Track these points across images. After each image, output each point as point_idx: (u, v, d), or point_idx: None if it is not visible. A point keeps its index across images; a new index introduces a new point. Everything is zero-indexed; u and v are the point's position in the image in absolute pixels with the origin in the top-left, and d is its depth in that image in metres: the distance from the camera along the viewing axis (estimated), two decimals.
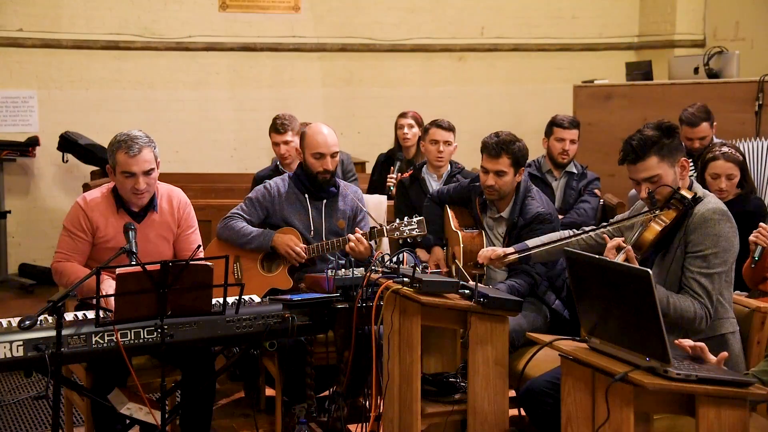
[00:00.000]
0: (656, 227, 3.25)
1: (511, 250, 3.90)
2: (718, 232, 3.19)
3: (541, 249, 3.77)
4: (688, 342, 2.80)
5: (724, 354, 2.75)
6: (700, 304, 3.17)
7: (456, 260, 4.18)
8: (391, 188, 5.81)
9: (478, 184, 4.38)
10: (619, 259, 3.14)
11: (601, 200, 5.55)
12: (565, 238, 3.75)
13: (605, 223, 3.70)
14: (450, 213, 4.51)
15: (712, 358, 2.76)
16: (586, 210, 5.31)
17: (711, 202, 3.28)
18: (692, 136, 5.64)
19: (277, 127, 5.51)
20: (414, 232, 4.30)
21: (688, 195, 3.27)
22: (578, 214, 5.27)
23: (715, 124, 5.71)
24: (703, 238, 3.20)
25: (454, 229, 4.38)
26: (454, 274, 4.24)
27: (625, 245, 3.21)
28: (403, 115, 6.24)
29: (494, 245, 4.24)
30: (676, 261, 3.26)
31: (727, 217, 3.24)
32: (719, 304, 3.22)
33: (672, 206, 3.26)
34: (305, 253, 4.38)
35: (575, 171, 5.50)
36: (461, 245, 4.24)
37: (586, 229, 3.83)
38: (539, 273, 4.15)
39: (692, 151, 5.65)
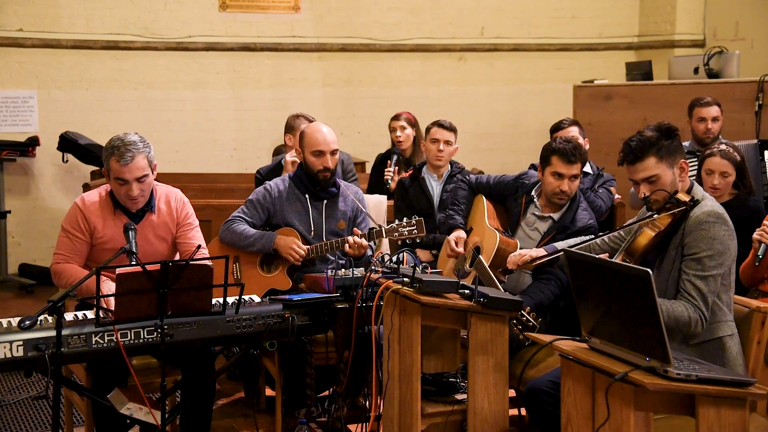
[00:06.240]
0: (650, 232, 3.25)
1: (541, 252, 3.92)
2: (713, 235, 3.19)
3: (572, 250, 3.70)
4: None
5: None
6: (694, 308, 3.16)
7: (480, 255, 4.15)
8: (389, 182, 5.79)
9: (527, 181, 4.37)
10: None
11: (617, 197, 5.45)
12: (587, 240, 3.74)
13: (624, 226, 3.68)
14: (486, 205, 4.44)
15: None
16: (599, 206, 5.19)
17: (707, 204, 3.27)
18: (706, 116, 5.67)
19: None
20: (413, 234, 4.30)
21: (685, 198, 3.26)
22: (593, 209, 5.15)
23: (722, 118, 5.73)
24: (697, 241, 3.20)
25: (489, 226, 4.30)
26: (469, 266, 4.21)
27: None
28: (395, 117, 6.13)
29: (529, 241, 4.21)
30: (674, 265, 3.26)
31: (723, 220, 3.23)
32: (716, 307, 3.21)
33: (668, 210, 3.26)
34: (306, 253, 4.38)
35: (590, 172, 5.32)
36: (496, 246, 4.14)
37: (609, 234, 3.78)
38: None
39: (704, 139, 5.65)
